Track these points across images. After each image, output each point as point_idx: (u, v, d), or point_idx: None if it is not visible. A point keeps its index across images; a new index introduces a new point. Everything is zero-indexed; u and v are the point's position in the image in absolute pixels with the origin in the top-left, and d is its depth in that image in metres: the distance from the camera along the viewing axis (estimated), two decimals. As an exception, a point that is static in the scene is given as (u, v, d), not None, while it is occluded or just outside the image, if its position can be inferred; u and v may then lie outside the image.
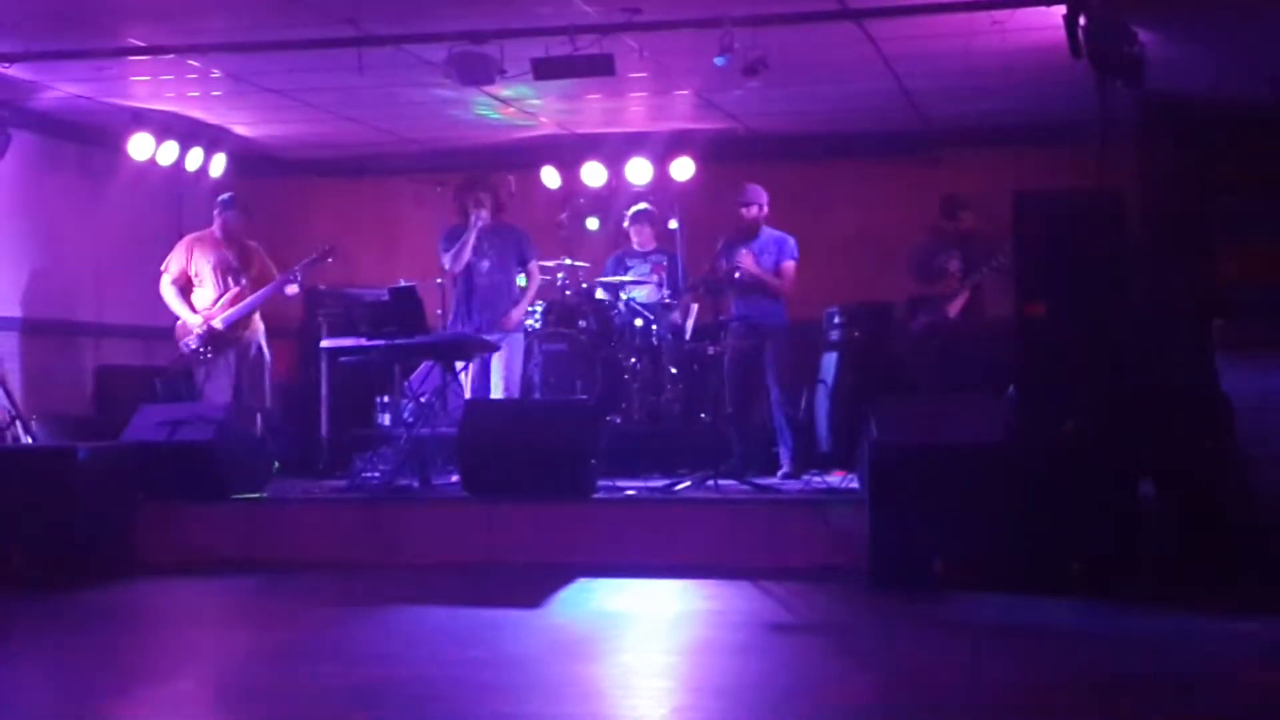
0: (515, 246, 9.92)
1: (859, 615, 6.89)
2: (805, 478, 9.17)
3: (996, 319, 9.21)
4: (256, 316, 9.91)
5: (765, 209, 9.68)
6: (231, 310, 9.71)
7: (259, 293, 9.75)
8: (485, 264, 9.75)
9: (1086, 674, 5.54)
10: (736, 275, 9.50)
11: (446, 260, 9.78)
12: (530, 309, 10.20)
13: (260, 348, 9.90)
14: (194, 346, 9.71)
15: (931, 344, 9.63)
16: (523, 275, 10.04)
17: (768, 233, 9.69)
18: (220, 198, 10.06)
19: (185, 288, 9.83)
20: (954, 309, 9.60)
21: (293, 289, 9.86)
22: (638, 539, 8.05)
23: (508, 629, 6.49)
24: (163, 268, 9.90)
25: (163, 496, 8.44)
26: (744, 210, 9.61)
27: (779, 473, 9.40)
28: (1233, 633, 6.30)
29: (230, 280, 9.80)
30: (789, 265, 9.63)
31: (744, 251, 9.54)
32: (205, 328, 9.67)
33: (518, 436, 8.48)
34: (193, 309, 9.75)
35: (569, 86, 9.34)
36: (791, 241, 9.70)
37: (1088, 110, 8.03)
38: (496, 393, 9.60)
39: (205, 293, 9.79)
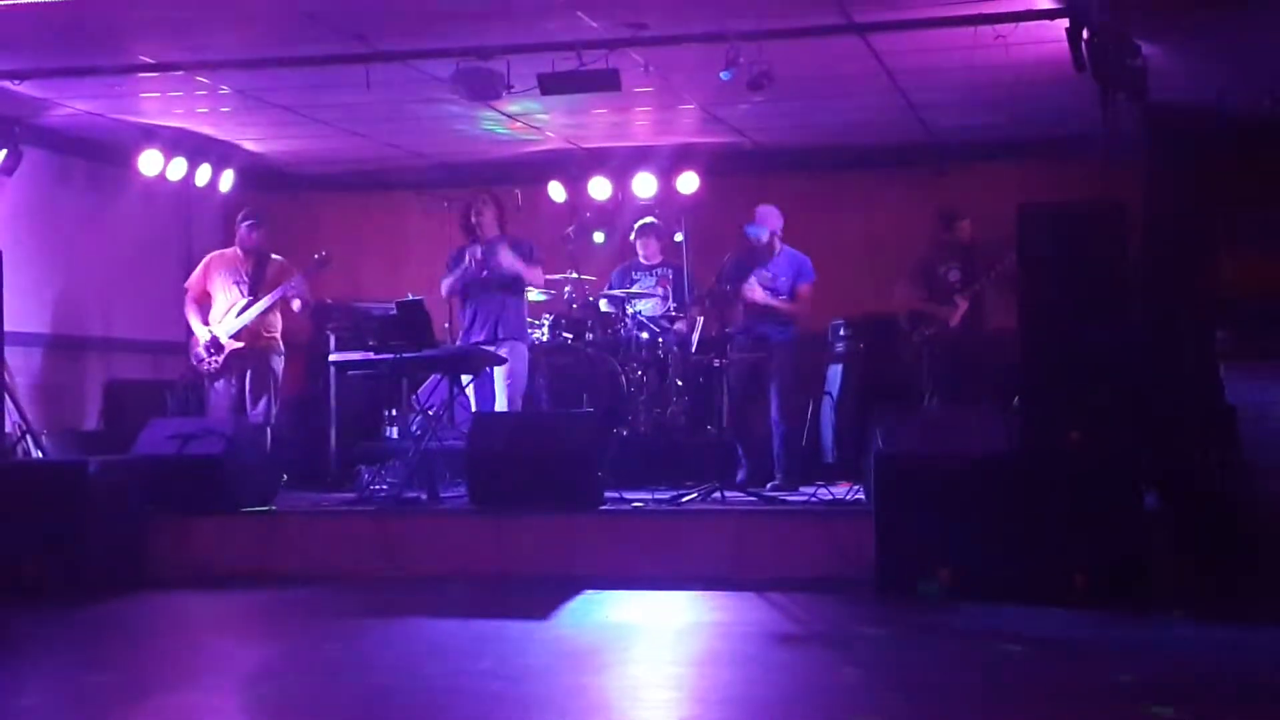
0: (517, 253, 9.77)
1: (865, 626, 6.89)
2: (814, 489, 9.18)
3: (998, 329, 9.25)
4: (268, 330, 9.94)
5: (779, 232, 9.66)
6: (235, 321, 9.77)
7: (259, 304, 9.80)
8: (487, 276, 9.65)
9: (1091, 684, 5.55)
10: (743, 306, 9.50)
11: (443, 286, 9.75)
12: (535, 321, 10.23)
13: (267, 361, 9.91)
14: (201, 357, 9.79)
15: (933, 354, 9.66)
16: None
17: (784, 252, 9.68)
18: (239, 214, 10.15)
19: (205, 303, 9.94)
20: (954, 319, 9.64)
21: (295, 304, 9.90)
22: (644, 551, 8.07)
23: (515, 640, 6.51)
24: (186, 285, 10.08)
25: (173, 510, 8.47)
26: (757, 237, 9.57)
27: (768, 485, 9.40)
28: (1238, 641, 6.31)
29: (239, 292, 9.87)
30: (805, 289, 9.63)
31: (753, 282, 9.51)
32: (209, 338, 9.76)
33: (525, 449, 8.52)
34: (206, 323, 9.84)
35: (575, 101, 9.39)
36: (808, 263, 9.68)
37: (1091, 123, 8.07)
38: (501, 402, 9.58)
39: (217, 305, 9.91)
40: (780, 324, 9.60)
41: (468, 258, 9.62)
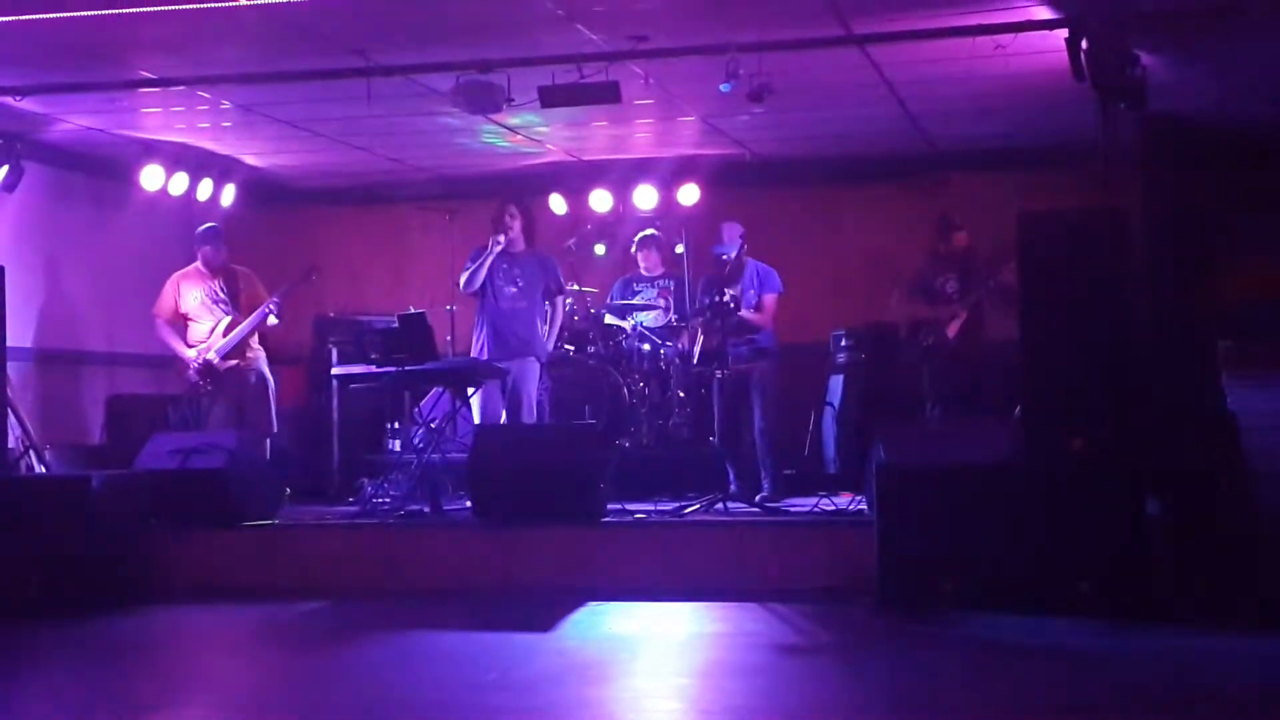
0: (544, 275, 9.64)
1: (868, 636, 6.91)
2: (815, 499, 9.17)
3: (996, 339, 9.25)
4: (254, 344, 9.93)
5: (744, 246, 9.66)
6: (223, 341, 9.75)
7: (247, 321, 9.78)
8: (510, 290, 9.53)
9: (1096, 692, 5.56)
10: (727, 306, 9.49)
11: (461, 278, 9.62)
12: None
13: (261, 375, 9.90)
14: (193, 381, 9.76)
15: (934, 364, 9.66)
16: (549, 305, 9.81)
17: (751, 266, 9.72)
18: (197, 231, 10.13)
19: (181, 325, 9.90)
20: (952, 330, 9.64)
21: (272, 320, 9.83)
22: (647, 562, 8.08)
23: (519, 653, 6.52)
24: (155, 311, 9.97)
25: (176, 524, 8.49)
26: (724, 256, 9.61)
27: (758, 496, 9.37)
28: (1240, 649, 6.32)
29: (220, 310, 9.85)
30: (770, 299, 9.68)
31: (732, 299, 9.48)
32: (200, 362, 9.72)
33: (527, 461, 8.53)
34: (188, 345, 9.81)
35: (576, 114, 9.41)
36: (775, 276, 9.73)
37: (1091, 132, 8.09)
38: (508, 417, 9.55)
39: (199, 327, 9.85)
40: (755, 332, 9.61)
41: (491, 242, 9.47)
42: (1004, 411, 8.15)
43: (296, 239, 11.91)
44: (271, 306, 9.74)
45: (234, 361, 9.77)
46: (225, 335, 9.76)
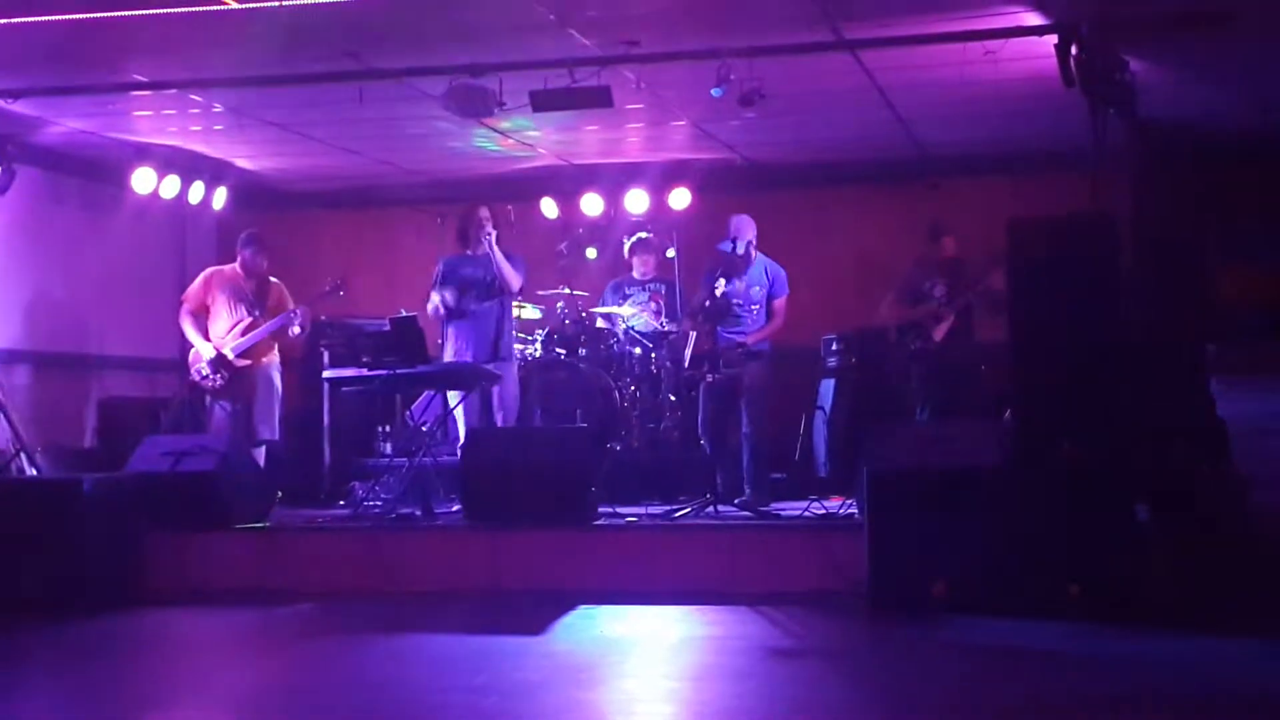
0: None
1: (859, 639, 6.93)
2: (806, 503, 9.18)
3: (989, 342, 9.28)
4: (273, 349, 9.97)
5: (754, 240, 9.55)
6: (242, 340, 9.79)
7: (267, 324, 9.81)
8: (478, 292, 9.56)
9: (1085, 695, 5.58)
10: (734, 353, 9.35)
11: (433, 302, 9.59)
12: (528, 337, 10.25)
13: (270, 379, 9.94)
14: (204, 373, 9.79)
15: (925, 368, 9.69)
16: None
17: (762, 262, 9.63)
18: (241, 235, 10.16)
19: (203, 318, 9.93)
20: (939, 333, 9.67)
21: (295, 330, 9.88)
22: (638, 565, 8.09)
23: (510, 656, 6.53)
24: (183, 297, 10.04)
25: (167, 526, 8.49)
26: (734, 248, 9.48)
27: (737, 500, 9.27)
28: (1229, 652, 6.35)
29: (244, 311, 9.87)
30: (780, 303, 9.57)
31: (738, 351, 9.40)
32: (215, 355, 9.75)
33: (519, 464, 8.54)
34: (207, 339, 9.85)
35: (567, 118, 9.43)
36: (783, 275, 9.62)
37: (1081, 137, 8.13)
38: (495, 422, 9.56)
39: (220, 323, 9.88)
40: (748, 331, 9.57)
41: (483, 233, 9.43)
42: (994, 415, 8.18)
43: (288, 242, 11.87)
44: (295, 315, 9.76)
45: (248, 361, 9.79)
46: (244, 335, 9.79)
